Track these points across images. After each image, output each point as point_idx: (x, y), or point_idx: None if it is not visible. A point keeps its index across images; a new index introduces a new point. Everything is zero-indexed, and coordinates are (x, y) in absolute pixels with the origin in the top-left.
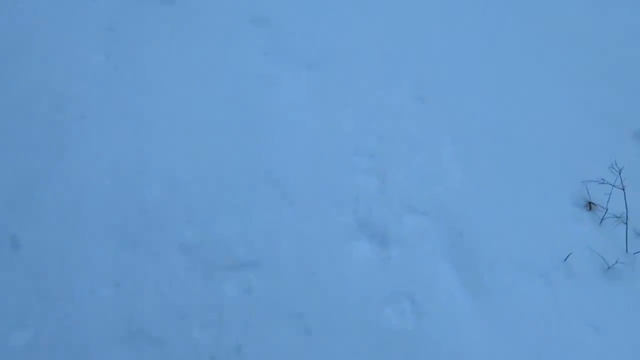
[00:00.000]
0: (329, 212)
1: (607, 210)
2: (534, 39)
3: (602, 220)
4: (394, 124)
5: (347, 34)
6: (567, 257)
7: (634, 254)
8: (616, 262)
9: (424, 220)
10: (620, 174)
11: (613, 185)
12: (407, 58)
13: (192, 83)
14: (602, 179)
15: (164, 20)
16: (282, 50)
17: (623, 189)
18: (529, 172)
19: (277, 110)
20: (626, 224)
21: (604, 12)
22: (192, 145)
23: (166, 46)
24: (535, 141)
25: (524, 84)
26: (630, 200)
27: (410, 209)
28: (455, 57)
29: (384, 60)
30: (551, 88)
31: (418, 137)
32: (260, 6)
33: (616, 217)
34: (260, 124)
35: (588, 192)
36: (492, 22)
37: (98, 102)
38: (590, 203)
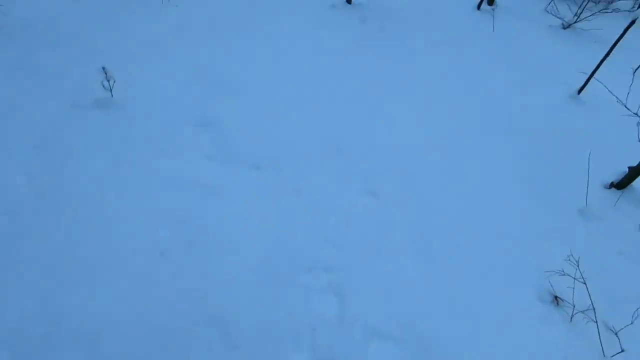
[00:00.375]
0: (282, 352)
1: (574, 306)
2: (474, 127)
3: (571, 317)
4: (348, 228)
5: (295, 132)
6: None
7: (611, 357)
8: None
9: (391, 347)
10: (578, 266)
11: (575, 278)
12: (356, 153)
13: (126, 204)
14: (562, 271)
15: (97, 128)
16: (228, 153)
17: (584, 283)
18: (490, 268)
19: (221, 226)
20: (596, 322)
21: (524, 84)
22: (119, 288)
23: (99, 159)
24: (490, 231)
25: (470, 173)
26: (593, 291)
27: (374, 334)
28: (402, 151)
29: (333, 156)
30: (496, 175)
31: (375, 241)
32: (204, 107)
33: (582, 312)
34: (203, 248)
35: (552, 285)
36: (435, 116)
37: (6, 246)
38: (556, 297)
